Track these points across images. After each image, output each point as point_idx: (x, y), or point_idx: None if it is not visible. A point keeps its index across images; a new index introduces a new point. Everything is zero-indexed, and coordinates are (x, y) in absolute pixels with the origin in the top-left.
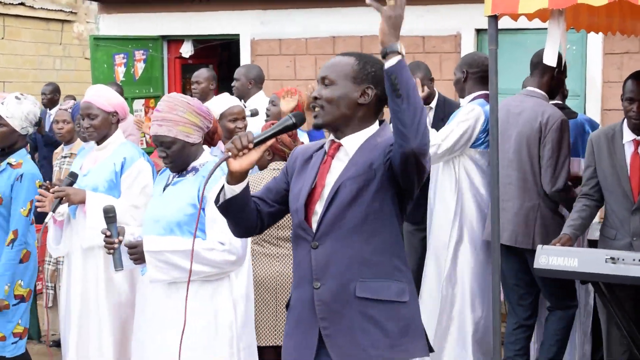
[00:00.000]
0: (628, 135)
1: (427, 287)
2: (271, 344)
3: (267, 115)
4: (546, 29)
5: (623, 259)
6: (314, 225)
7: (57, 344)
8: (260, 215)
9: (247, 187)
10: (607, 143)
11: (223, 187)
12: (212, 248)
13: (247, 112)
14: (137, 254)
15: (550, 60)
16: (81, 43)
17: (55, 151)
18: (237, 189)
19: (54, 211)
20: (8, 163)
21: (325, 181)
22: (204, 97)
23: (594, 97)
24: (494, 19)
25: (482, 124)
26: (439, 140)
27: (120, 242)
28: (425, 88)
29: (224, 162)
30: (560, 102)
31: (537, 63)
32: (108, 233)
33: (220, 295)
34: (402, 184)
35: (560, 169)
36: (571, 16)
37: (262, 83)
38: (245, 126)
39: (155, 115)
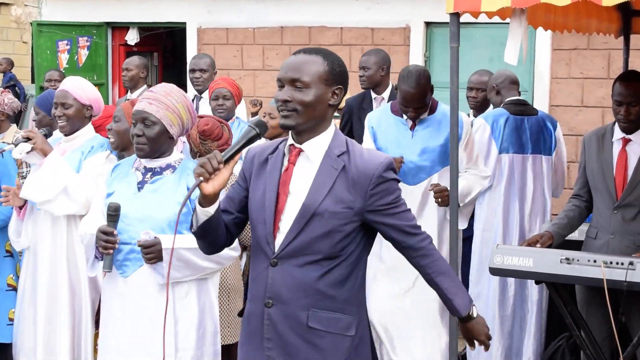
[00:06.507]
0: (618, 134)
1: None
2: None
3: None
4: (494, 23)
5: (578, 260)
6: (278, 243)
7: None
8: (227, 227)
9: (219, 205)
10: (598, 141)
11: (195, 212)
12: None
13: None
14: (155, 253)
15: (511, 58)
16: (19, 27)
17: None
18: (211, 210)
19: (15, 145)
20: None
21: (288, 189)
22: (134, 84)
23: (542, 92)
24: (455, 16)
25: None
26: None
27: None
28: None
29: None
30: (520, 98)
31: None
32: (115, 232)
33: (207, 292)
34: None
35: None
36: (528, 14)
37: None
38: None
39: (147, 94)
